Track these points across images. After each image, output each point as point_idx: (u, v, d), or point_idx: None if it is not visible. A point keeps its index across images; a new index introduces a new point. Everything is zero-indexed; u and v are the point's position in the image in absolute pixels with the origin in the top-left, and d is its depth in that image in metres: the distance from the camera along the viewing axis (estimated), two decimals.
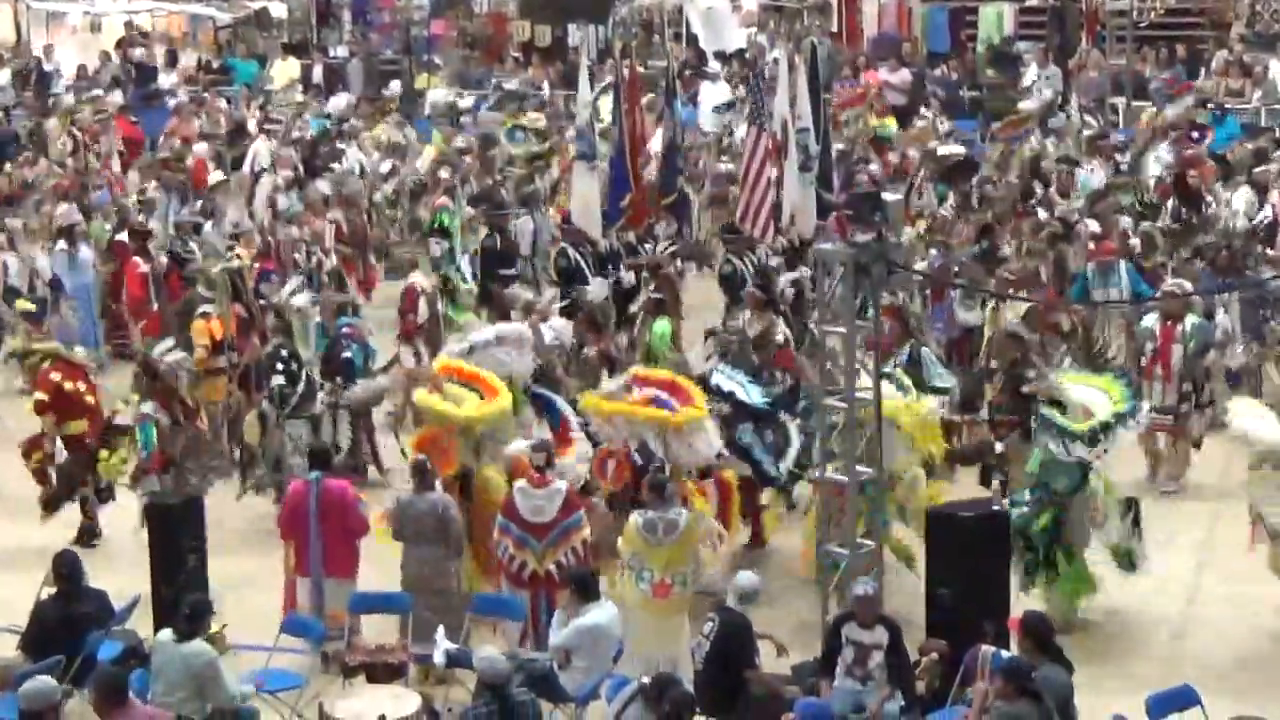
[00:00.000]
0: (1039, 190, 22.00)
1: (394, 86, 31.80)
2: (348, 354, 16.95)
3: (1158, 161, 23.37)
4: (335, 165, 24.74)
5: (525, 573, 13.24)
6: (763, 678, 11.88)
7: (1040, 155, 23.78)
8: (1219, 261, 18.77)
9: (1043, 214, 20.70)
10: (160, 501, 14.32)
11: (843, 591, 12.89)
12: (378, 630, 13.47)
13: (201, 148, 25.87)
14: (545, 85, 31.68)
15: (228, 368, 17.24)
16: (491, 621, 13.45)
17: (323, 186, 23.07)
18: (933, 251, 19.30)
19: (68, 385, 15.84)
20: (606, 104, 21.48)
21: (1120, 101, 28.41)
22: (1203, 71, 30.00)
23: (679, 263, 19.91)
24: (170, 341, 16.45)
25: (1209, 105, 26.63)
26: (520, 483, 13.39)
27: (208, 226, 21.96)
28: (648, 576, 12.83)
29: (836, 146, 23.72)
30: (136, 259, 20.35)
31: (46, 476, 16.00)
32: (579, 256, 19.57)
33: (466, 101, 30.55)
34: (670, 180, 20.60)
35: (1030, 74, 30.13)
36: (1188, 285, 17.57)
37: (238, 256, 19.53)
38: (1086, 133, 25.30)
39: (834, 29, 34.08)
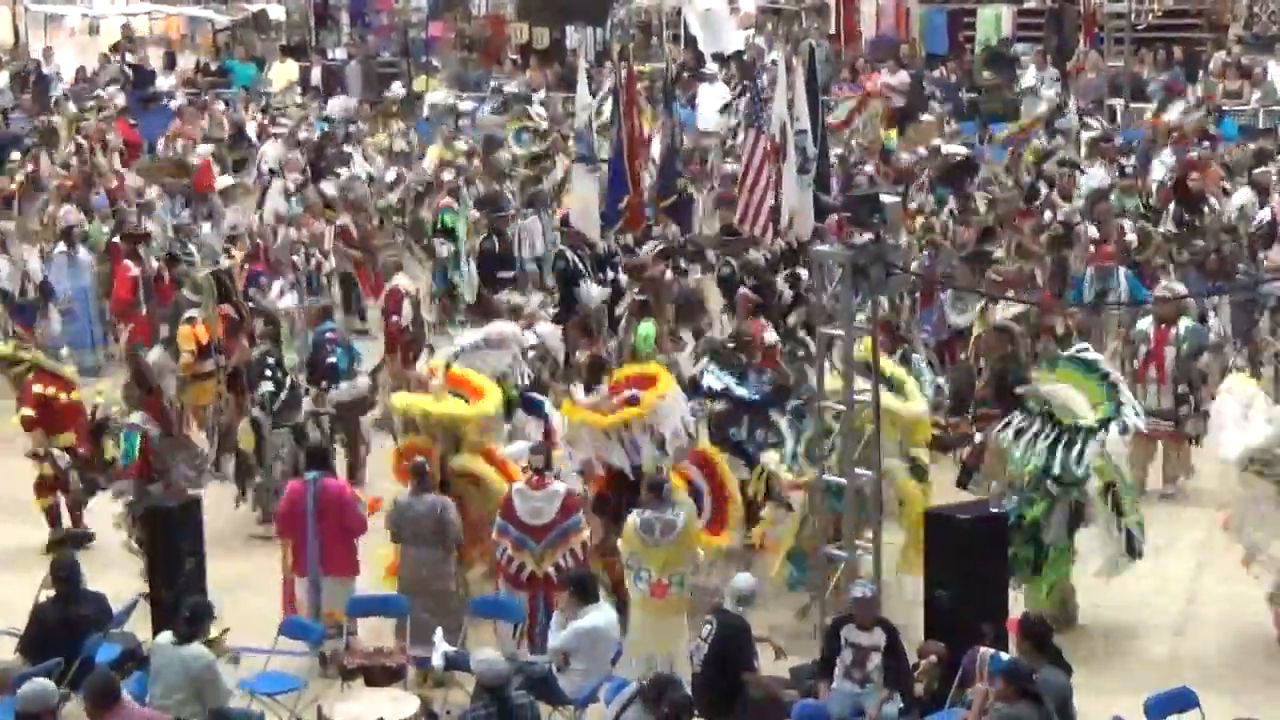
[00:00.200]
0: (1044, 191, 21.97)
1: (396, 89, 31.79)
2: (332, 359, 16.94)
3: (1162, 165, 23.35)
4: (341, 170, 24.71)
5: (524, 574, 13.24)
6: (761, 680, 11.87)
7: (1045, 155, 23.73)
8: (1208, 265, 18.76)
9: (1046, 216, 20.68)
10: (159, 505, 14.30)
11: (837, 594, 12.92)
12: (375, 632, 13.48)
13: (205, 150, 25.87)
14: (542, 88, 31.67)
15: (215, 370, 17.23)
16: (490, 623, 13.46)
17: (327, 189, 23.08)
18: (924, 254, 19.30)
19: (51, 395, 15.83)
20: (609, 105, 21.49)
21: (1118, 103, 28.41)
22: (1200, 73, 30.01)
23: (683, 263, 19.87)
24: (158, 349, 16.47)
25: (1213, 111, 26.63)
26: (519, 485, 13.38)
27: (206, 228, 21.98)
28: (645, 576, 12.88)
29: (835, 151, 23.78)
30: (127, 262, 20.33)
31: (57, 519, 16.05)
32: (577, 259, 19.58)
33: (466, 104, 30.54)
34: (669, 183, 20.58)
35: (1029, 76, 30.14)
36: (1180, 289, 17.56)
37: (230, 258, 19.55)
38: (1087, 134, 25.29)
39: (832, 31, 34.13)
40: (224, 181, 23.18)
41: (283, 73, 33.38)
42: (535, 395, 15.38)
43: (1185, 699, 11.62)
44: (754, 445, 14.67)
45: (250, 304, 18.05)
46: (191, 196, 23.50)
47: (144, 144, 28.16)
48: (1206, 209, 20.64)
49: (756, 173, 19.20)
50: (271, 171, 24.47)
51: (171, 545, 13.64)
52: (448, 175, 23.37)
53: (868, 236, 14.09)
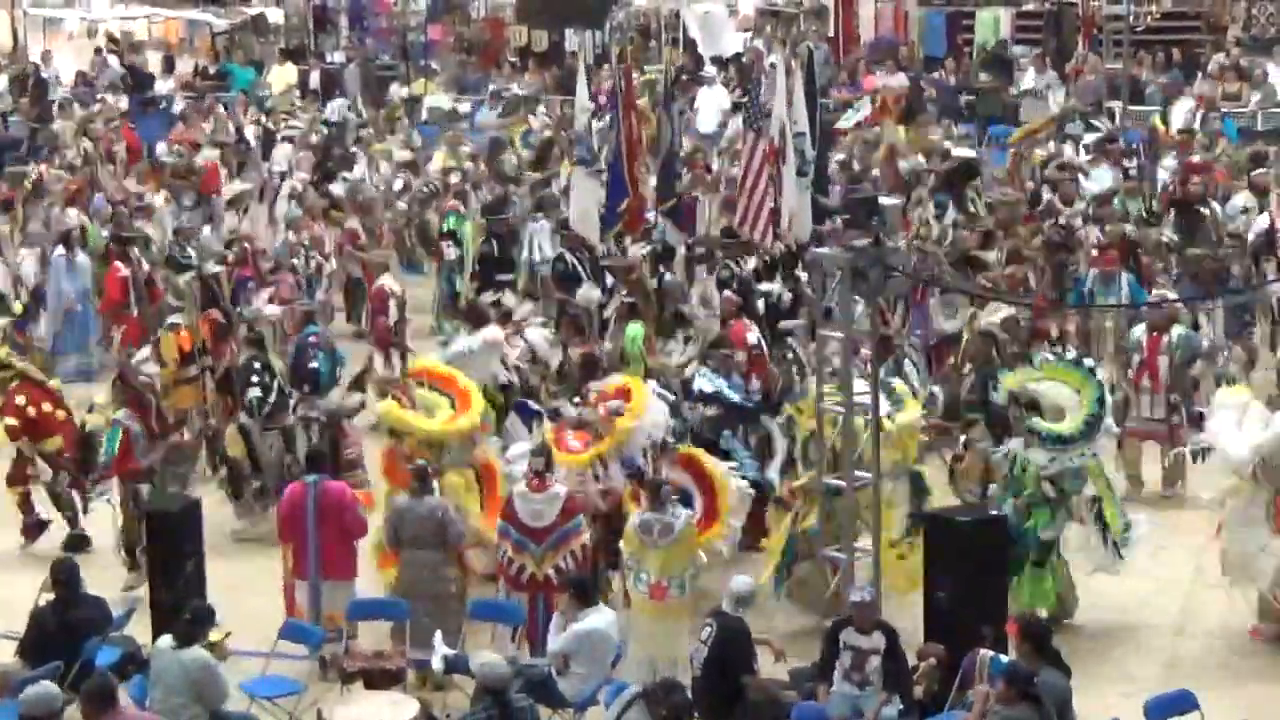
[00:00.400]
0: (1046, 195, 21.93)
1: (401, 91, 31.75)
2: (314, 363, 16.95)
3: (1164, 170, 23.32)
4: (346, 173, 24.71)
5: (524, 576, 13.25)
6: (761, 683, 11.87)
7: (1050, 159, 23.69)
8: (1201, 272, 18.74)
9: (1046, 223, 20.62)
10: (159, 508, 14.32)
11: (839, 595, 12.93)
12: (374, 635, 13.48)
13: (211, 153, 25.89)
14: (540, 92, 31.67)
15: (199, 375, 17.20)
16: (489, 625, 13.46)
17: (336, 190, 23.08)
18: (912, 259, 19.27)
19: (31, 410, 15.83)
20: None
21: (1117, 105, 28.39)
22: (1199, 75, 30.00)
23: (659, 267, 19.87)
24: (146, 351, 16.46)
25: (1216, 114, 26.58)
26: (520, 487, 13.40)
27: (206, 231, 21.97)
28: (644, 578, 12.95)
29: (838, 157, 23.79)
30: (117, 263, 20.33)
31: (30, 507, 16.07)
32: (576, 262, 19.58)
33: (466, 107, 30.53)
34: (668, 185, 20.57)
35: (1028, 78, 30.13)
36: (1172, 295, 17.53)
37: (225, 261, 19.58)
38: (1090, 136, 25.25)
39: (830, 34, 34.13)
40: (234, 188, 23.11)
41: (281, 76, 33.36)
42: (530, 403, 15.37)
43: (1185, 701, 11.62)
44: (744, 451, 14.67)
45: (236, 309, 18.07)
46: (198, 199, 23.48)
47: (143, 148, 28.16)
48: (1207, 213, 20.59)
49: (756, 176, 19.20)
50: (282, 174, 24.50)
51: (172, 548, 13.65)
52: (454, 179, 23.39)
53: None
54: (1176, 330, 16.70)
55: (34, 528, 16.07)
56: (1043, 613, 13.34)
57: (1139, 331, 16.91)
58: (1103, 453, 14.34)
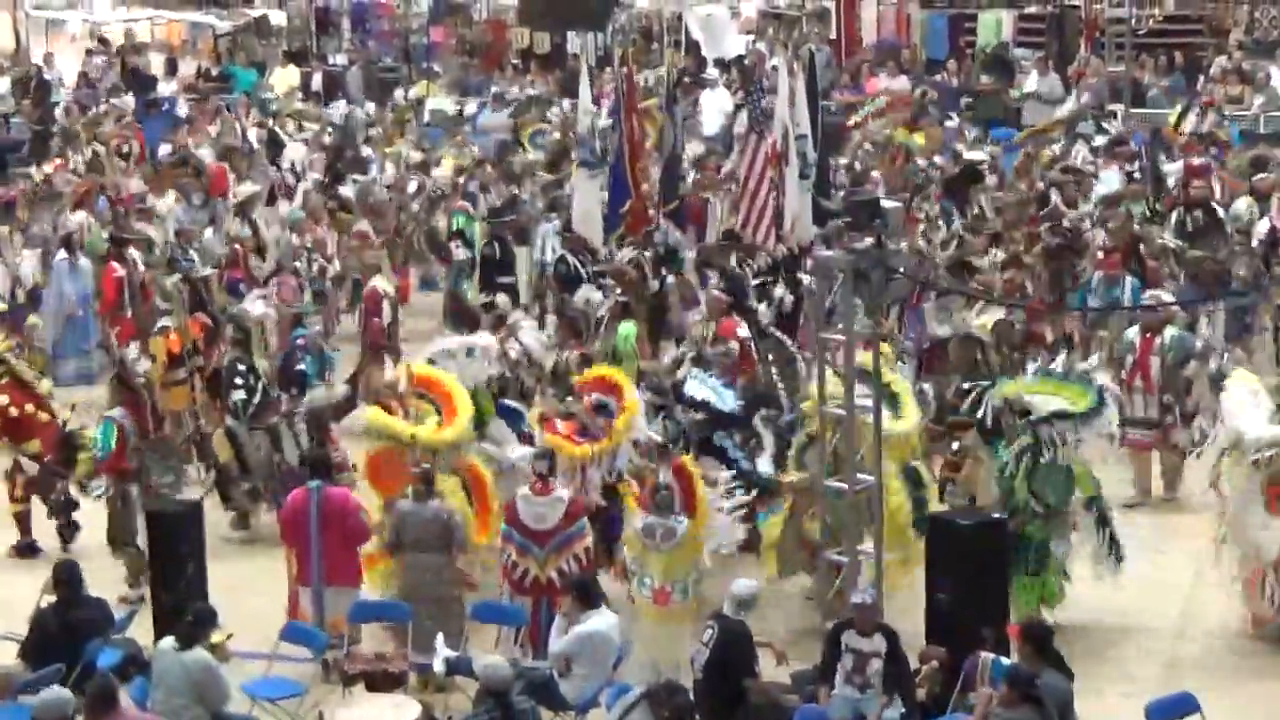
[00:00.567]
0: (1054, 197, 21.89)
1: (401, 95, 31.77)
2: (301, 365, 16.94)
3: (1171, 174, 23.28)
4: (358, 175, 24.71)
5: (527, 580, 13.25)
6: (762, 686, 11.88)
7: (1057, 160, 23.65)
8: (1203, 274, 18.72)
9: (1044, 226, 20.56)
10: (160, 509, 14.32)
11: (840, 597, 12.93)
12: (376, 638, 13.48)
13: (205, 152, 25.85)
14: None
15: (188, 377, 17.19)
16: (491, 627, 13.47)
17: (346, 192, 23.09)
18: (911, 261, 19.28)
19: (14, 411, 15.85)
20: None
21: (1119, 108, 28.41)
22: (1201, 78, 30.01)
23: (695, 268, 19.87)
24: (135, 349, 16.47)
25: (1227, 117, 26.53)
26: (523, 490, 13.41)
27: (208, 233, 21.98)
28: (648, 582, 12.98)
29: (842, 160, 23.79)
30: (113, 263, 20.35)
31: (27, 527, 16.10)
32: (578, 264, 19.59)
33: (468, 109, 30.53)
34: (670, 188, 20.58)
35: (1030, 81, 30.12)
36: (1166, 297, 17.52)
37: (219, 264, 19.61)
38: (1101, 138, 25.23)
39: (833, 36, 34.14)
40: (244, 190, 23.11)
41: (284, 78, 33.36)
42: (514, 406, 15.37)
43: (1186, 704, 11.62)
44: (735, 449, 14.68)
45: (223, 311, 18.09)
46: (206, 199, 23.49)
47: (146, 150, 28.15)
48: (1208, 217, 20.56)
49: (758, 178, 19.22)
50: (295, 175, 24.52)
51: (172, 549, 13.65)
52: (463, 181, 23.44)
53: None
54: (1170, 331, 16.68)
55: (25, 549, 16.05)
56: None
57: (1132, 333, 16.91)
58: (1096, 458, 14.32)
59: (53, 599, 12.63)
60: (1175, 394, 16.54)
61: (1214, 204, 20.87)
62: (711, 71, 31.96)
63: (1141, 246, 19.49)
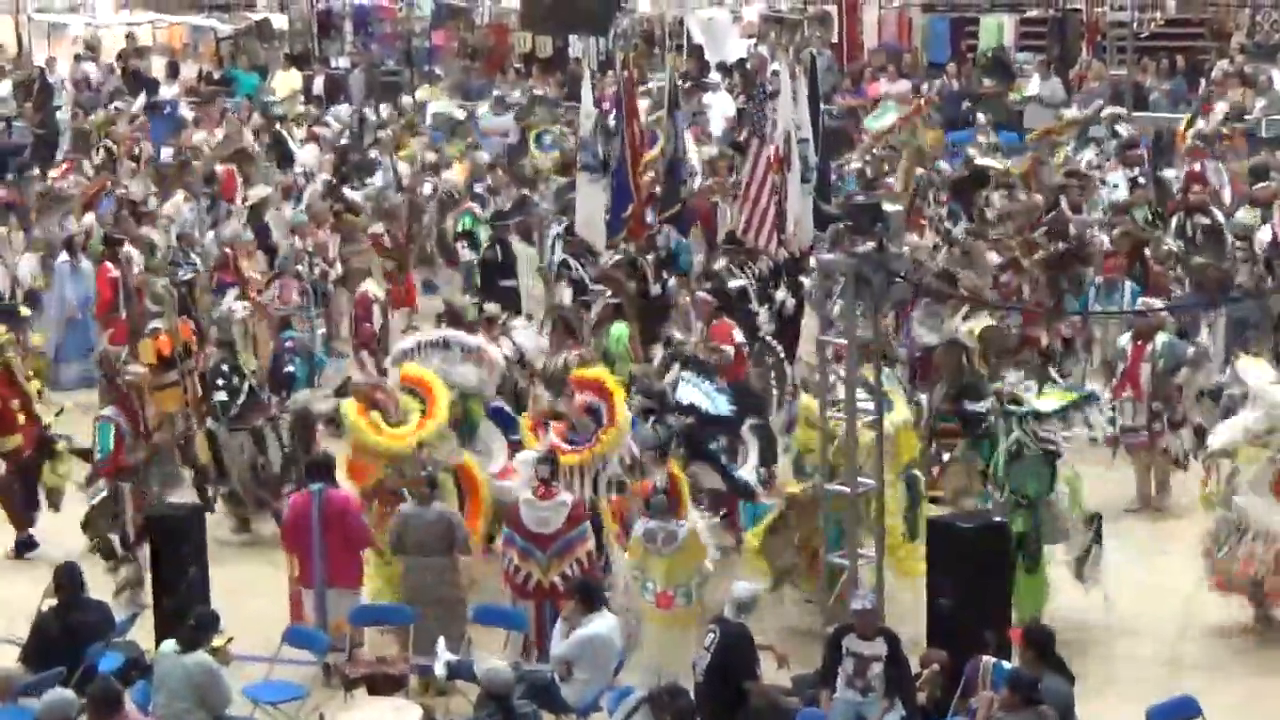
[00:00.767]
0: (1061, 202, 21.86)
1: (418, 95, 31.77)
2: (290, 368, 16.93)
3: (1177, 179, 23.27)
4: (368, 178, 24.71)
5: (530, 584, 13.26)
6: (763, 689, 11.88)
7: (1068, 166, 23.62)
8: (1206, 280, 18.71)
9: (1042, 231, 20.53)
10: (162, 513, 14.33)
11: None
12: (378, 642, 13.48)
13: (199, 136, 25.89)
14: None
15: (179, 380, 17.21)
16: (491, 631, 13.47)
17: (353, 196, 23.10)
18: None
19: None
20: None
21: (1121, 111, 28.38)
22: (1202, 82, 29.99)
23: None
24: (124, 352, 16.49)
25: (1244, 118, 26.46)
26: (526, 494, 13.42)
27: (210, 236, 21.98)
28: (650, 587, 12.98)
29: (854, 165, 23.77)
30: (106, 264, 20.36)
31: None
32: (580, 268, 19.60)
33: (482, 109, 30.46)
34: (672, 192, 20.58)
35: (1032, 84, 30.11)
36: (1157, 303, 17.52)
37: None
38: (1112, 142, 25.20)
39: (835, 40, 34.14)
40: (257, 193, 23.11)
41: (286, 81, 33.33)
42: (507, 411, 15.37)
43: (1187, 707, 11.62)
44: (727, 456, 14.69)
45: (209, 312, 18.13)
46: (217, 204, 23.49)
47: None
48: (1208, 223, 20.53)
49: (760, 183, 19.22)
50: (307, 177, 24.53)
51: (174, 553, 13.66)
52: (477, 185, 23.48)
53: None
54: (1161, 338, 16.64)
55: (21, 545, 16.05)
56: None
57: (1124, 340, 16.89)
58: (1101, 466, 14.37)
59: (54, 602, 12.65)
60: (1164, 401, 16.50)
61: (1214, 210, 20.85)
62: (714, 76, 31.94)
63: (1146, 250, 19.48)
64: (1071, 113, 27.23)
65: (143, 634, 13.06)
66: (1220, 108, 26.69)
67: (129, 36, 36.26)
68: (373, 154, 26.18)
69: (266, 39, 37.59)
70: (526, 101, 29.98)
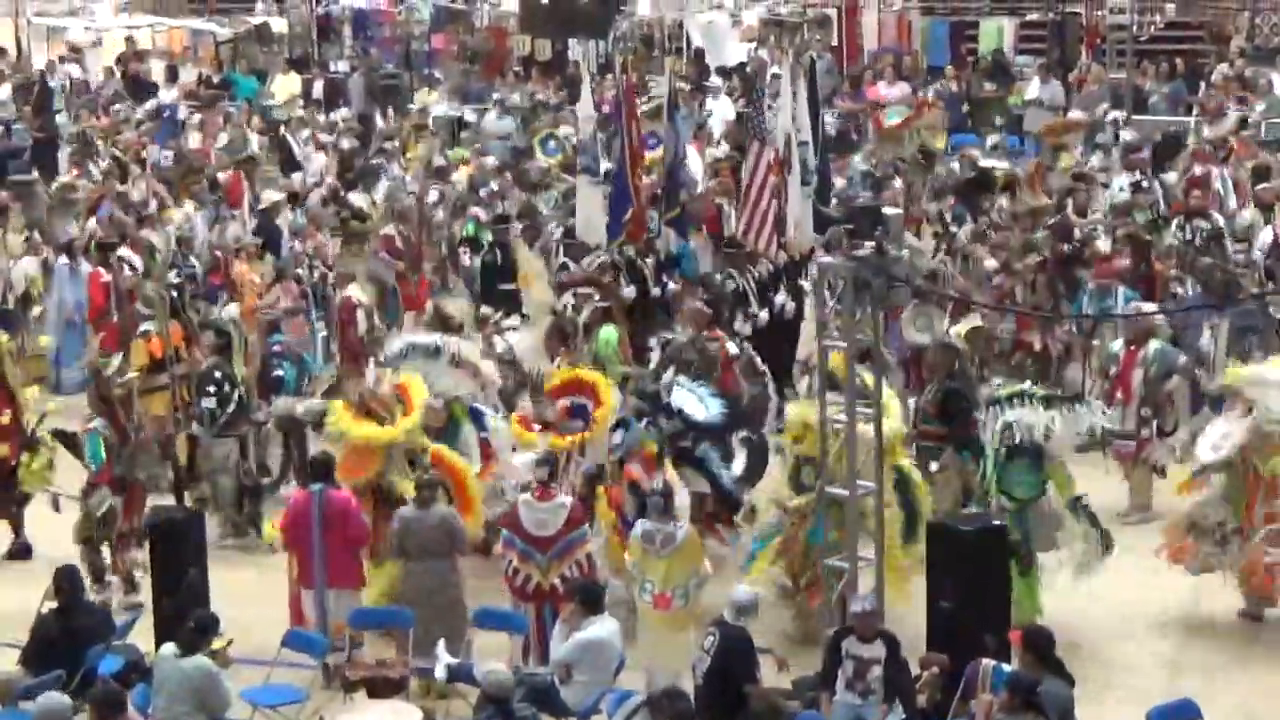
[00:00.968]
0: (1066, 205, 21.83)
1: (424, 99, 31.75)
2: (279, 372, 16.91)
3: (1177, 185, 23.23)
4: (374, 184, 24.70)
5: (529, 586, 13.26)
6: (763, 692, 11.87)
7: (1075, 170, 23.60)
8: (1213, 283, 18.69)
9: (1041, 234, 20.51)
10: (162, 516, 14.33)
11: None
12: (378, 645, 13.49)
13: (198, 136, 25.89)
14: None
15: (170, 383, 17.19)
16: (491, 633, 13.47)
17: (356, 199, 23.08)
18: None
19: None
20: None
21: (1121, 114, 28.40)
22: (1202, 85, 30.00)
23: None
24: (118, 358, 16.49)
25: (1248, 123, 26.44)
26: (525, 496, 13.42)
27: (205, 238, 21.97)
28: (648, 588, 12.98)
29: (861, 167, 23.74)
30: (99, 269, 20.35)
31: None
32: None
33: (493, 114, 30.47)
34: (673, 195, 20.57)
35: (1032, 88, 30.11)
36: (1150, 307, 17.49)
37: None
38: (1116, 145, 25.18)
39: (834, 43, 34.14)
40: (269, 197, 23.08)
41: (285, 85, 33.33)
42: (481, 408, 15.36)
43: (1187, 710, 11.62)
44: (717, 462, 14.68)
45: (198, 316, 18.10)
46: (223, 209, 23.47)
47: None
48: (1210, 227, 20.50)
49: (760, 186, 19.22)
50: (315, 182, 24.54)
51: (174, 556, 13.66)
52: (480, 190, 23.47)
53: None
54: (1153, 344, 16.59)
55: (20, 550, 16.05)
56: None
57: (1116, 345, 16.86)
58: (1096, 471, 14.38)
59: (54, 605, 12.65)
60: (1154, 407, 16.45)
61: (1214, 215, 20.83)
62: (714, 79, 31.95)
63: (1151, 249, 19.47)
64: (1077, 113, 27.24)
65: (142, 636, 13.06)
66: (1233, 115, 26.65)
67: (128, 40, 36.26)
68: (375, 161, 26.16)
69: (266, 43, 37.59)
70: (529, 108, 29.98)
